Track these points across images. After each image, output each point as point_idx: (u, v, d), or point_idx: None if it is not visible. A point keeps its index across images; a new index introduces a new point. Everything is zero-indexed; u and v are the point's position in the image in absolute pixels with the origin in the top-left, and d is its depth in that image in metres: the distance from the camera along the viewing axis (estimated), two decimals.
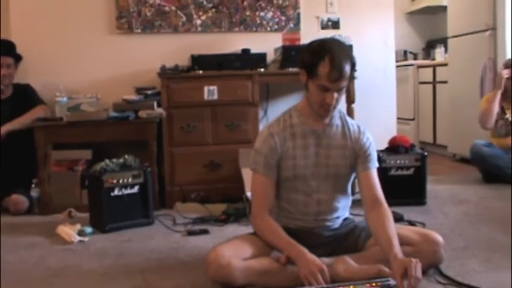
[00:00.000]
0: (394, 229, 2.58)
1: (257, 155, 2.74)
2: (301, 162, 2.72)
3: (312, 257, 2.50)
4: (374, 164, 2.79)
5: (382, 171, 2.86)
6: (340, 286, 2.39)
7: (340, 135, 2.77)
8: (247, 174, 3.89)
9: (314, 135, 2.74)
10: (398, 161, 4.25)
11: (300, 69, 2.69)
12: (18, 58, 4.63)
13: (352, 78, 2.69)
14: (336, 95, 2.61)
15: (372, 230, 2.66)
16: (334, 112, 2.73)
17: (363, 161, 2.77)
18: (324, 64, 2.55)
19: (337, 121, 2.78)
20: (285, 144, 2.72)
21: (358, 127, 2.83)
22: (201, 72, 4.55)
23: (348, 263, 2.57)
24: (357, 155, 2.77)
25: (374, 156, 2.80)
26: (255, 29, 5.07)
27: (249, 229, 2.89)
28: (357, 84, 4.70)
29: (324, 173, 2.75)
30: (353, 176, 2.83)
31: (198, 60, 4.58)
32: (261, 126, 4.58)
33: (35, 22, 4.83)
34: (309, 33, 4.93)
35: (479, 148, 5.03)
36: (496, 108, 4.98)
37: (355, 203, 3.07)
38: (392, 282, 2.36)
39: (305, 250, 2.53)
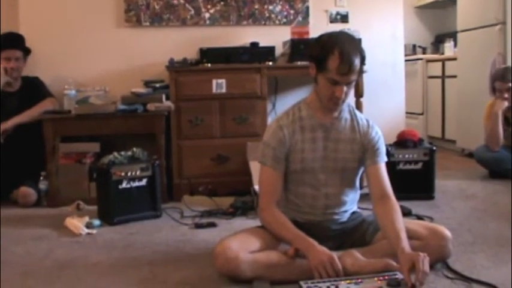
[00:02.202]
0: (402, 223, 2.57)
1: (265, 147, 2.74)
2: (310, 156, 2.72)
3: (321, 248, 2.51)
4: (382, 158, 2.79)
5: (391, 165, 2.86)
6: (347, 280, 2.39)
7: (349, 129, 2.77)
8: (255, 167, 3.89)
9: (323, 129, 2.73)
10: (406, 155, 4.25)
11: (309, 63, 2.68)
12: (27, 51, 4.65)
13: (361, 72, 2.68)
14: (345, 88, 2.60)
15: (379, 224, 2.66)
16: (343, 106, 2.73)
17: (371, 155, 2.76)
18: (333, 57, 2.54)
19: (346, 115, 2.78)
20: (293, 137, 2.72)
21: (367, 121, 2.82)
22: (209, 65, 4.55)
23: (355, 257, 2.56)
24: (365, 149, 2.77)
25: (382, 150, 2.80)
26: (263, 22, 5.06)
27: (257, 222, 2.89)
28: (366, 78, 4.69)
29: (332, 166, 2.74)
30: (361, 170, 2.83)
31: (207, 54, 4.58)
32: (269, 120, 4.59)
33: (43, 15, 4.84)
34: (318, 26, 4.92)
35: (482, 153, 5.02)
36: (500, 130, 4.92)
37: (363, 197, 3.07)
38: (399, 276, 2.36)
39: (314, 242, 2.54)
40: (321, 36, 2.70)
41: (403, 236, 2.49)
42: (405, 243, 2.44)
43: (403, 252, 2.39)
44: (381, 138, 2.81)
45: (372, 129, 2.80)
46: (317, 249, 2.50)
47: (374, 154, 2.76)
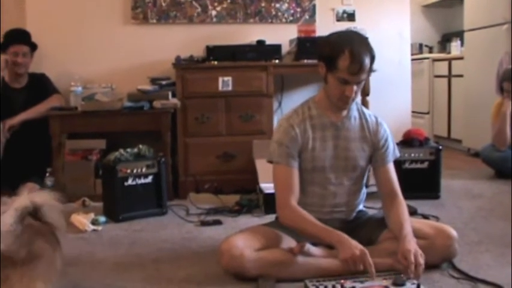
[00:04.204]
0: (407, 215, 2.63)
1: (278, 146, 2.72)
2: (320, 154, 2.72)
3: (354, 241, 2.49)
4: (391, 157, 2.80)
5: (396, 164, 2.85)
6: (353, 279, 2.38)
7: (358, 128, 2.77)
8: (261, 165, 3.90)
9: (333, 128, 2.73)
10: (412, 154, 4.24)
11: (319, 62, 2.68)
12: (33, 47, 4.65)
13: (371, 71, 2.67)
14: (355, 87, 2.60)
15: (386, 219, 2.71)
16: (352, 104, 2.72)
17: (381, 156, 2.77)
18: (344, 57, 2.54)
19: (354, 113, 2.78)
20: (305, 136, 2.71)
21: (376, 118, 2.82)
22: (215, 63, 4.55)
23: None
24: (375, 148, 2.77)
25: (391, 148, 2.81)
26: (270, 20, 5.06)
27: (262, 220, 2.90)
28: (372, 76, 4.61)
29: (342, 165, 2.74)
30: (368, 168, 2.83)
31: (213, 51, 4.58)
32: (275, 118, 4.59)
33: (50, 11, 4.85)
34: (324, 25, 4.92)
35: (489, 152, 5.01)
36: (508, 130, 4.90)
37: (369, 196, 3.07)
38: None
39: (346, 235, 2.52)
40: (331, 36, 2.70)
41: (407, 226, 2.54)
42: (407, 232, 2.50)
43: (403, 242, 2.45)
44: (390, 135, 2.82)
45: (381, 126, 2.80)
46: (350, 241, 2.47)
47: (383, 154, 2.77)
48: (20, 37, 4.56)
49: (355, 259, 2.40)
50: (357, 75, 2.55)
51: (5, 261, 1.80)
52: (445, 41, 7.99)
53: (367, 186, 2.96)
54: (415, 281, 2.32)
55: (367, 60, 2.56)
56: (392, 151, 2.81)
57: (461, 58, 6.57)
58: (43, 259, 1.96)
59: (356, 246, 2.46)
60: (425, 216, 3.64)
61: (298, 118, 2.75)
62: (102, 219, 3.70)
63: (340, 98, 2.63)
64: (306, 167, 2.73)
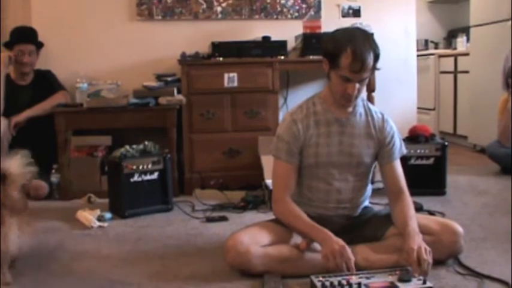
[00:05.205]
0: (412, 211, 2.63)
1: (279, 141, 2.73)
2: (324, 150, 2.71)
3: (336, 238, 2.49)
4: (398, 154, 2.79)
5: (402, 160, 2.84)
6: (358, 274, 2.38)
7: (364, 124, 2.76)
8: (266, 161, 3.89)
9: (338, 124, 2.72)
10: (418, 151, 4.22)
11: (323, 58, 2.67)
12: (39, 45, 4.66)
13: (375, 69, 2.65)
14: (357, 85, 2.58)
15: (392, 215, 2.70)
16: (357, 101, 2.72)
17: (387, 153, 2.76)
18: (346, 54, 2.52)
19: (360, 109, 2.76)
20: (308, 132, 2.71)
21: (382, 115, 2.81)
22: (221, 59, 4.55)
23: (367, 252, 2.57)
24: (381, 145, 2.76)
25: (397, 145, 2.79)
26: (275, 16, 5.05)
27: (268, 216, 2.89)
28: (378, 73, 4.59)
29: (347, 161, 2.73)
30: (374, 165, 2.83)
31: (219, 48, 4.57)
32: (281, 114, 4.59)
33: (55, 9, 4.85)
34: (330, 21, 4.91)
35: (495, 148, 5.00)
36: None
37: (375, 192, 3.06)
38: (410, 269, 2.37)
39: (330, 233, 2.52)
40: (335, 32, 2.69)
41: (411, 223, 2.54)
42: (411, 229, 2.49)
43: (407, 240, 2.44)
44: (396, 132, 2.81)
45: (387, 123, 2.78)
46: (332, 239, 2.49)
47: (390, 152, 2.76)
48: (26, 36, 4.57)
49: (334, 254, 2.41)
50: (358, 73, 2.54)
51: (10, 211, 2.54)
52: (450, 37, 7.97)
53: (372, 183, 2.95)
54: (421, 277, 2.32)
55: (369, 59, 2.54)
56: (399, 148, 2.80)
57: (467, 54, 6.56)
58: (27, 210, 2.79)
59: (337, 242, 2.47)
60: (431, 213, 3.63)
61: (302, 114, 2.74)
62: (108, 215, 3.71)
63: (342, 95, 2.62)
64: (310, 163, 2.72)
